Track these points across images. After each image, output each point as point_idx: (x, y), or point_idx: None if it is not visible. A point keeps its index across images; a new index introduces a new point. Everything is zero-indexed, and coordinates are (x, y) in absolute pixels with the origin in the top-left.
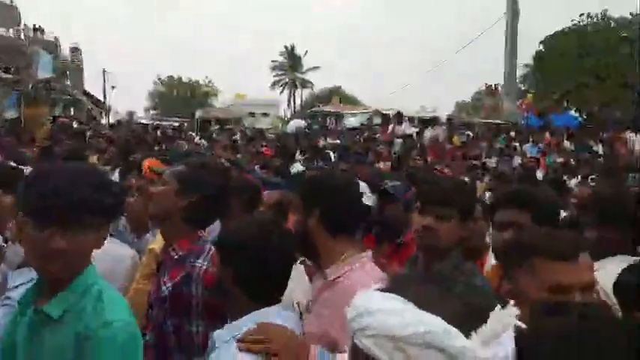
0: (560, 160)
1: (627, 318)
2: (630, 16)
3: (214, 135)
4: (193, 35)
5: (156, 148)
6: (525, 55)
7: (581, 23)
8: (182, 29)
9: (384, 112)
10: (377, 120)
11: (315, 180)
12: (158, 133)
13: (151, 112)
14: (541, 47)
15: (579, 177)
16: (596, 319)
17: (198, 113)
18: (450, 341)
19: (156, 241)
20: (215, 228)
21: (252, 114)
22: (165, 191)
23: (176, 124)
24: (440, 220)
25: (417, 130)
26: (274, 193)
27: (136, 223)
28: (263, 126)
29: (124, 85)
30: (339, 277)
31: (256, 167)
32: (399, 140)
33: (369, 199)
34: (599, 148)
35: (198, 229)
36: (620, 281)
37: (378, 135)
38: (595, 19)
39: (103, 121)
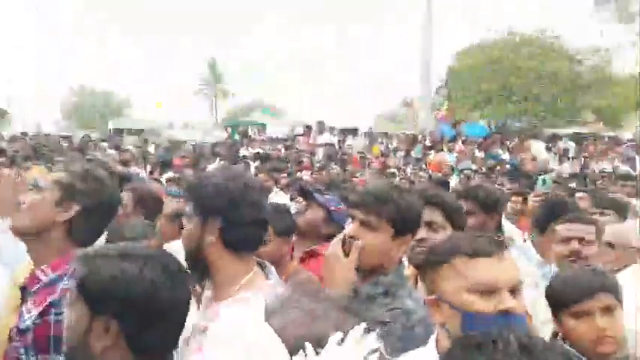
0: (472, 167)
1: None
2: (532, 33)
3: (125, 146)
4: (108, 42)
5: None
6: (438, 69)
7: (488, 39)
8: (96, 37)
9: (307, 123)
10: (299, 130)
11: (216, 185)
12: (64, 144)
13: (62, 123)
14: (453, 61)
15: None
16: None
17: (111, 124)
18: None
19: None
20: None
21: (170, 125)
22: (42, 201)
23: (89, 135)
24: (366, 228)
25: (339, 139)
26: (172, 203)
27: None
28: (182, 137)
29: (32, 95)
30: (245, 298)
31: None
32: (321, 150)
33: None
34: (507, 156)
35: (80, 246)
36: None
37: (300, 145)
38: (501, 35)
39: (5, 132)
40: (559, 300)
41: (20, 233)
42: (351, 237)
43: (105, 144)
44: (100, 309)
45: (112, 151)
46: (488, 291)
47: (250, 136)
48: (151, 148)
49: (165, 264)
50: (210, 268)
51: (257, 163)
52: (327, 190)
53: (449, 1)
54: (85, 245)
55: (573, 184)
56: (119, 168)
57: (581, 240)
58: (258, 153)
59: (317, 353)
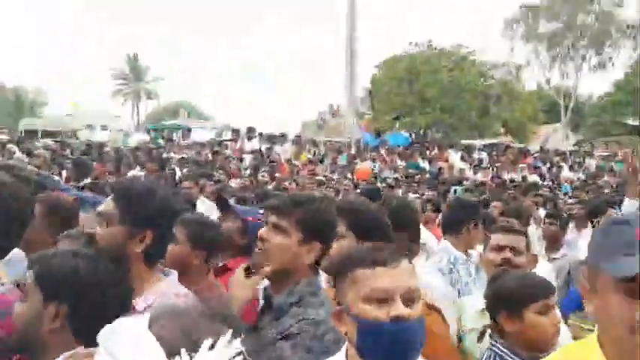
0: (394, 175)
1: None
2: (450, 47)
3: (38, 149)
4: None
5: None
6: (363, 78)
7: (409, 51)
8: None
9: (234, 127)
10: (227, 135)
11: (152, 199)
12: None
13: None
14: (375, 71)
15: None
16: None
17: (22, 123)
18: None
19: None
20: (17, 257)
21: (89, 126)
22: None
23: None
24: (275, 231)
25: (267, 146)
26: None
27: None
28: (102, 139)
29: None
30: (148, 306)
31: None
32: (249, 156)
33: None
34: (426, 165)
35: None
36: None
37: (227, 150)
38: (421, 48)
39: None
40: (527, 297)
41: None
42: (261, 239)
43: (13, 146)
44: (52, 295)
45: (22, 155)
46: (382, 299)
47: (174, 140)
48: (68, 152)
49: (104, 262)
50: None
51: (184, 169)
52: (259, 198)
53: (374, 12)
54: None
55: (484, 194)
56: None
57: (512, 249)
58: (183, 158)
59: (191, 358)
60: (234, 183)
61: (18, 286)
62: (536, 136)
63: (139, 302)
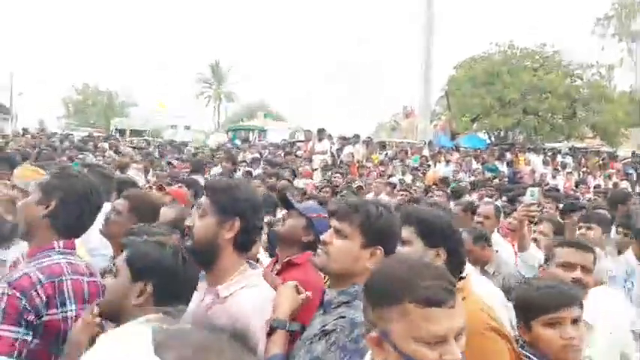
0: (470, 179)
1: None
2: (534, 47)
3: (126, 147)
4: (111, 42)
5: (64, 158)
6: (439, 79)
7: (489, 51)
8: (101, 34)
9: (306, 129)
10: (300, 136)
11: (238, 189)
12: (66, 143)
13: (64, 120)
14: (454, 72)
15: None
16: None
17: (114, 123)
18: None
19: None
20: (92, 239)
21: (173, 126)
22: (27, 202)
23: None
24: (337, 234)
25: (337, 147)
26: (170, 211)
27: None
28: (184, 139)
29: (34, 91)
30: (230, 294)
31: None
32: (320, 157)
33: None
34: (505, 169)
35: (62, 238)
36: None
37: (299, 152)
38: (502, 48)
39: (8, 129)
40: (535, 308)
41: (21, 235)
42: (324, 242)
43: (105, 144)
44: (139, 275)
45: (112, 153)
46: (436, 342)
47: (251, 141)
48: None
49: (183, 252)
50: (216, 260)
51: (258, 169)
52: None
53: (453, 13)
54: (68, 237)
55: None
56: (117, 172)
57: (582, 268)
58: (256, 158)
59: None
60: (301, 183)
61: (103, 275)
62: (628, 141)
63: (222, 290)
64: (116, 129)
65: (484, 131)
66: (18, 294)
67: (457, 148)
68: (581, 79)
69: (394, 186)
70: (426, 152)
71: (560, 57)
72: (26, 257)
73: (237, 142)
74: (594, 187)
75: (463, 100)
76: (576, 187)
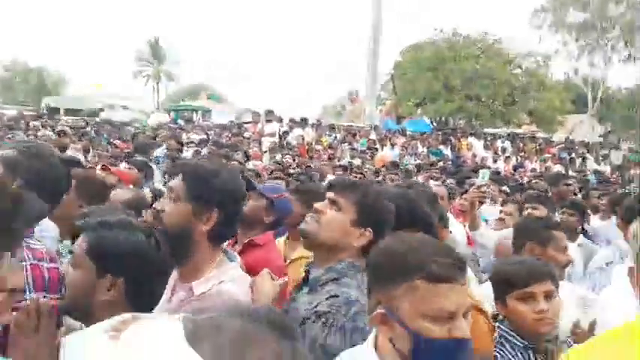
0: (416, 162)
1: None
2: (476, 35)
3: (62, 127)
4: (42, 15)
5: None
6: (385, 65)
7: (434, 37)
8: (30, 7)
9: (254, 110)
10: (246, 118)
11: (219, 177)
12: None
13: None
14: (400, 57)
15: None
16: None
17: (45, 102)
18: None
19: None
20: (46, 227)
21: (110, 106)
22: None
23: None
24: (331, 205)
25: (286, 129)
26: (126, 190)
27: None
28: (123, 119)
29: None
30: (208, 291)
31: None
32: (269, 139)
33: None
34: (449, 152)
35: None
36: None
37: (247, 133)
38: (446, 35)
39: None
40: (509, 283)
41: None
42: (316, 211)
43: (37, 122)
44: (107, 269)
45: (47, 132)
46: (445, 318)
47: (195, 122)
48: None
49: (155, 237)
50: (190, 253)
51: (204, 150)
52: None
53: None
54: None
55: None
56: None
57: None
58: (203, 139)
59: None
60: (251, 165)
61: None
62: (563, 127)
63: (197, 286)
64: (48, 107)
65: (427, 116)
66: None
67: (403, 132)
68: (520, 68)
69: (345, 169)
70: (373, 136)
71: (500, 45)
72: None
73: (180, 122)
74: (531, 171)
75: (409, 84)
76: (514, 170)
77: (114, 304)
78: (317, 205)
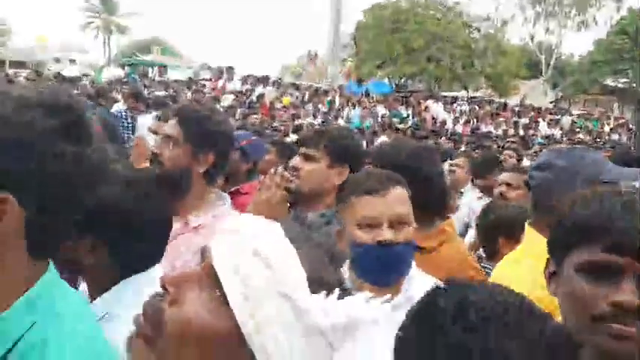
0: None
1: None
2: None
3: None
4: None
5: None
6: (347, 25)
7: None
8: None
9: (212, 66)
10: (204, 74)
11: (212, 120)
12: None
13: None
14: (362, 18)
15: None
16: None
17: None
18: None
19: None
20: None
21: (57, 59)
22: None
23: None
24: (306, 159)
25: (248, 87)
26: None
27: None
28: (71, 73)
29: None
30: (202, 224)
31: None
32: (230, 96)
33: None
34: (410, 115)
35: None
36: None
37: (207, 90)
38: None
39: None
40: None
41: None
42: (293, 168)
43: None
44: (86, 229)
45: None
46: (371, 224)
47: (150, 77)
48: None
49: (146, 186)
50: (188, 191)
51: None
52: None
53: None
54: None
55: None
56: None
57: (508, 185)
58: (164, 96)
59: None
60: None
61: None
62: (517, 92)
63: (192, 219)
64: None
65: (389, 78)
66: None
67: (367, 94)
68: (479, 31)
69: (302, 126)
70: (336, 97)
71: (460, 8)
72: None
73: (136, 77)
74: (486, 134)
75: (370, 46)
76: (472, 133)
77: (104, 268)
78: (292, 162)
